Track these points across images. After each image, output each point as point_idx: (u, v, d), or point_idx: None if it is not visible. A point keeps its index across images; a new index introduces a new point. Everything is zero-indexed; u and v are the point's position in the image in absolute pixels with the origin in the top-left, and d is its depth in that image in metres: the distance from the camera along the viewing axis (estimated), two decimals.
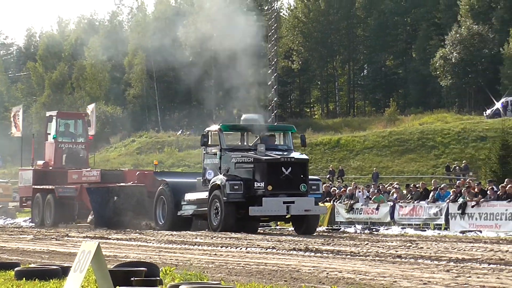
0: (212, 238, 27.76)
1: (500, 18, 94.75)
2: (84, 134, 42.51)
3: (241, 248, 23.15)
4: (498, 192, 36.09)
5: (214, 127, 31.22)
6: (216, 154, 30.21)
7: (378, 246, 22.05)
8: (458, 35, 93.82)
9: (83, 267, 10.60)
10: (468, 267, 16.47)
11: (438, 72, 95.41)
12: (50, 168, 41.62)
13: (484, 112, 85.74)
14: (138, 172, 37.47)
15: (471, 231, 32.83)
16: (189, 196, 31.54)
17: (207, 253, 21.73)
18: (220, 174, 29.53)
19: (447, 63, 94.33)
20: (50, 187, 39.62)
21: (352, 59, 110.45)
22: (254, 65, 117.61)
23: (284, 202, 28.21)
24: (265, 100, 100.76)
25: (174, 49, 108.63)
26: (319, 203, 32.84)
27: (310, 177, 30.29)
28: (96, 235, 29.87)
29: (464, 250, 20.00)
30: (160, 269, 14.64)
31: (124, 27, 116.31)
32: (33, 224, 40.91)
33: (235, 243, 25.15)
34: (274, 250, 22.19)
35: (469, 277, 14.71)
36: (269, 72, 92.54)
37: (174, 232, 32.09)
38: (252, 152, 29.60)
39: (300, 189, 28.62)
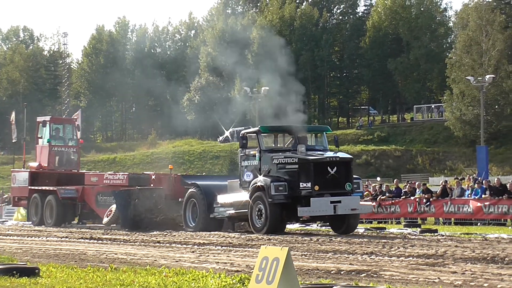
0: (20, 230, 26.89)
1: (228, 72, 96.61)
2: (75, 138, 34.21)
3: (42, 238, 22.53)
4: None
5: (252, 129, 23.25)
6: (255, 156, 22.44)
7: (143, 235, 21.96)
8: (199, 83, 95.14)
9: None
10: (207, 249, 16.66)
11: (185, 110, 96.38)
12: (45, 170, 32.98)
13: (217, 139, 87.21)
14: (154, 175, 28.81)
15: None
16: (223, 199, 23.45)
17: (16, 242, 21.04)
18: (260, 175, 21.96)
19: (191, 103, 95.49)
20: (52, 188, 31.26)
21: (124, 100, 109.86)
22: (52, 102, 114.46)
23: (331, 202, 21.06)
24: None
25: None
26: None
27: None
28: None
29: (205, 237, 20.20)
30: None
31: None
32: (31, 223, 31.90)
33: (37, 234, 24.46)
34: (67, 239, 21.72)
35: (208, 256, 14.89)
36: (63, 108, 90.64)
37: None
38: (292, 153, 22.05)
39: (345, 188, 21.31)
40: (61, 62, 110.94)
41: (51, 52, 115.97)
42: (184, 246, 17.66)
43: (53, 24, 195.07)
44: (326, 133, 23.46)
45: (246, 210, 21.95)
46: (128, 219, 26.03)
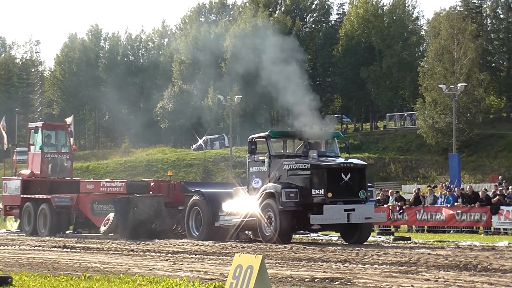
0: None
1: (201, 80, 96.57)
2: (68, 144, 32.55)
3: (14, 247, 22.35)
4: None
5: (261, 134, 21.92)
6: (264, 162, 21.18)
7: (116, 244, 21.84)
8: (172, 92, 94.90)
9: None
10: (181, 257, 16.61)
11: (159, 118, 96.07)
12: (37, 177, 31.38)
13: (191, 146, 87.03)
14: (153, 183, 27.59)
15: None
16: (229, 206, 21.98)
17: None
18: (270, 182, 20.74)
19: (165, 111, 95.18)
20: (45, 196, 29.57)
21: (97, 108, 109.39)
22: (25, 111, 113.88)
23: (344, 210, 19.69)
24: None
25: None
26: None
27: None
28: None
29: (179, 245, 20.13)
30: None
31: None
32: (23, 233, 30.11)
33: (10, 242, 24.26)
34: (41, 248, 21.56)
35: (182, 264, 14.85)
36: (35, 116, 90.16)
37: None
38: (303, 159, 20.73)
39: (359, 196, 20.00)
40: (33, 70, 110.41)
41: (24, 60, 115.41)
42: (158, 254, 17.60)
43: (26, 32, 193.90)
44: (337, 139, 22.28)
45: (254, 219, 20.77)
46: (127, 227, 24.68)
